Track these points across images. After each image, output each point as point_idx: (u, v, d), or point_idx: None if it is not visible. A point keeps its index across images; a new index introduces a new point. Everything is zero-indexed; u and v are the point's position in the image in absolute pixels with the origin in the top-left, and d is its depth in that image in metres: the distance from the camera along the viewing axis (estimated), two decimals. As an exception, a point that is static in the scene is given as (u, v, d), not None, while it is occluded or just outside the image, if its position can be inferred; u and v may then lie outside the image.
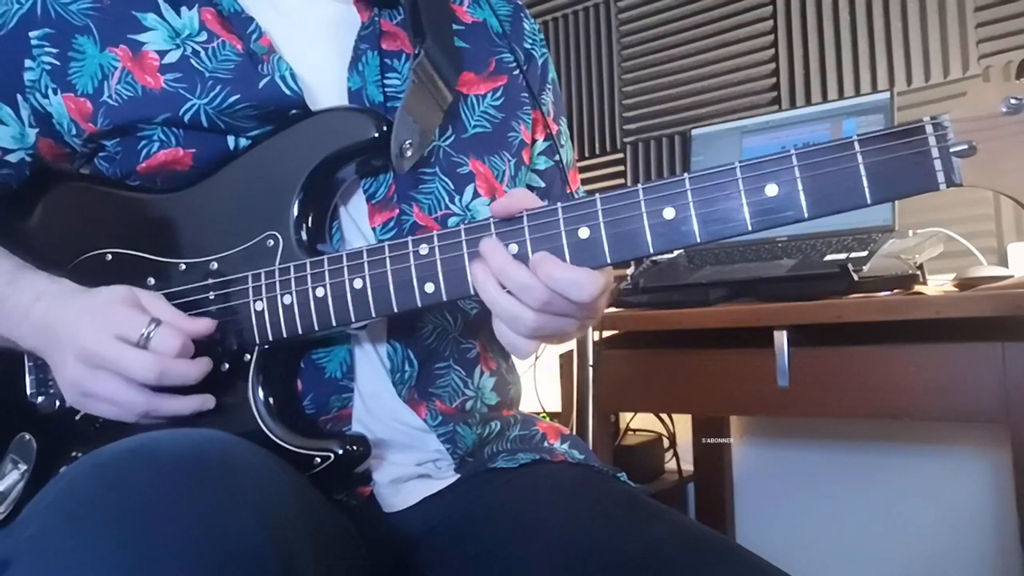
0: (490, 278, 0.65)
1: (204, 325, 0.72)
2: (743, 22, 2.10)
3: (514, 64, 0.90)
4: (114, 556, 0.47)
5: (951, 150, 0.59)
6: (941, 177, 0.59)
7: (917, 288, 1.33)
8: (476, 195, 0.82)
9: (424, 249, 0.68)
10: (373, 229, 0.78)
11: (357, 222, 0.79)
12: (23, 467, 0.78)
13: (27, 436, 0.79)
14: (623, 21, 2.33)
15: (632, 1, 2.31)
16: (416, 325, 0.79)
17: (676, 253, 1.64)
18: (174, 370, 0.68)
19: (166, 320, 0.69)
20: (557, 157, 0.93)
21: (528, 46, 0.93)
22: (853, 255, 1.39)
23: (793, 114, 1.82)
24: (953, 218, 1.67)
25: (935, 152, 0.59)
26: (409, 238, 0.69)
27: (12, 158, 0.81)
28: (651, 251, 0.64)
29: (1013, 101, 0.58)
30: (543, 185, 0.94)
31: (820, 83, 1.97)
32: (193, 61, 0.75)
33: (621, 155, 2.31)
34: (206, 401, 0.72)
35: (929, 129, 0.59)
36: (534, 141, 0.92)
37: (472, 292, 0.67)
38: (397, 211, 0.79)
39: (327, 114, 0.77)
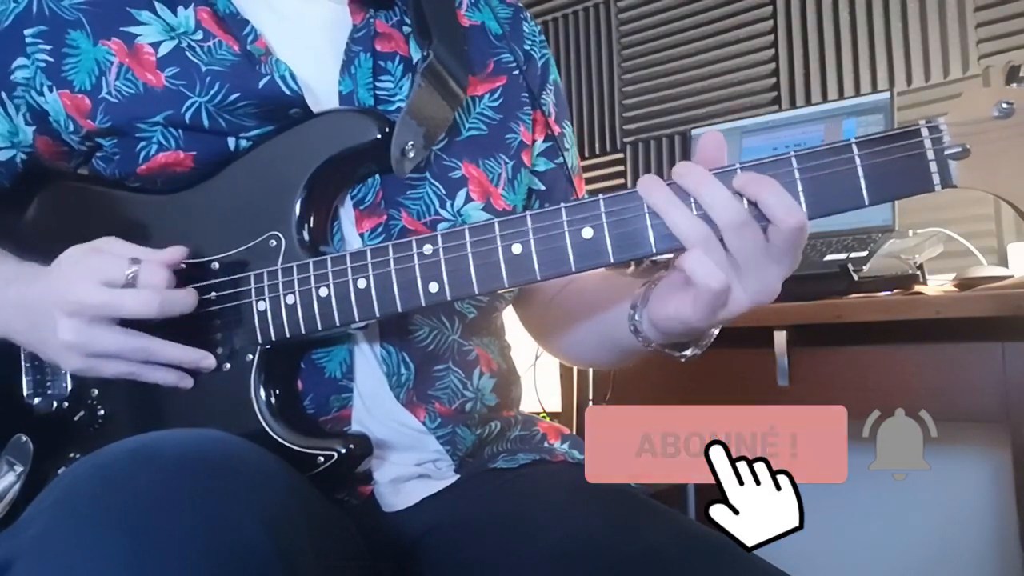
0: (674, 200, 0.61)
1: (178, 252, 0.72)
2: (743, 22, 2.10)
3: (513, 64, 0.89)
4: (116, 556, 0.47)
5: (946, 152, 0.60)
6: (936, 179, 0.60)
7: (917, 288, 1.33)
8: (468, 200, 0.82)
9: (428, 249, 0.68)
10: (360, 235, 0.78)
11: (352, 225, 0.79)
12: (19, 469, 0.78)
13: (23, 438, 0.79)
14: (623, 21, 2.33)
15: (632, 1, 2.31)
16: (411, 329, 0.79)
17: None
18: (172, 298, 0.69)
19: (144, 257, 0.69)
20: (560, 159, 0.92)
21: (528, 47, 0.92)
22: (853, 255, 1.40)
23: (793, 114, 1.82)
24: (953, 218, 1.67)
25: (930, 154, 0.60)
26: (413, 238, 0.69)
27: (2, 156, 0.81)
28: (654, 251, 0.64)
29: (1004, 105, 0.59)
30: (543, 188, 0.92)
31: (820, 83, 1.98)
32: (189, 54, 0.75)
33: (621, 155, 2.32)
34: (205, 357, 0.72)
35: (925, 132, 0.60)
36: (534, 142, 0.91)
37: (476, 291, 0.67)
38: (385, 217, 0.79)
39: (329, 115, 0.77)
